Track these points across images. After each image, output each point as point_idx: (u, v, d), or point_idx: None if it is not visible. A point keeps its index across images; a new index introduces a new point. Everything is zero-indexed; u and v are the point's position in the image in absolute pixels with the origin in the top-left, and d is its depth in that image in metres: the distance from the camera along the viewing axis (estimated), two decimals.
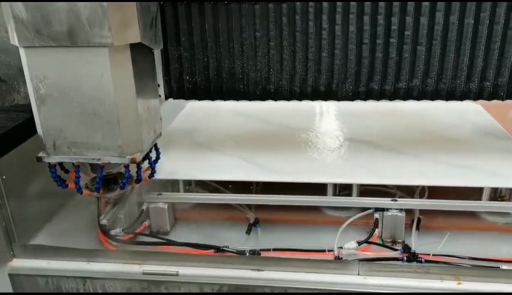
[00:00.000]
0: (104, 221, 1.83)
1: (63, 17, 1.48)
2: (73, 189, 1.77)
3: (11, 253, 1.78)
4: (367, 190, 1.93)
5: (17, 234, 1.80)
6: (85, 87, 1.57)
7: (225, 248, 1.77)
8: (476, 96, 1.85)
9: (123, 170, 1.82)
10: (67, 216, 2.12)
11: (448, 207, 1.83)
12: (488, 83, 1.82)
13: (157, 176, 1.95)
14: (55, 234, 1.98)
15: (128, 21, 1.52)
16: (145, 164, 1.85)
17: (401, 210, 1.80)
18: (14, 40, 1.54)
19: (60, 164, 1.75)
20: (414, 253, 1.70)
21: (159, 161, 1.95)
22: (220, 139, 2.35)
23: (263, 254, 1.75)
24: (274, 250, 1.77)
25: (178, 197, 1.99)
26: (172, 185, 2.05)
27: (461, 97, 1.85)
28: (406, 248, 1.74)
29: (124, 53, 1.57)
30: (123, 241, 1.86)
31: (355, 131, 2.40)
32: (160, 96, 1.94)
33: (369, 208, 1.86)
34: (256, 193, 2.05)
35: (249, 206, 2.01)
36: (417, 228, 1.85)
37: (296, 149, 2.22)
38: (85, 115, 1.61)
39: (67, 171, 1.82)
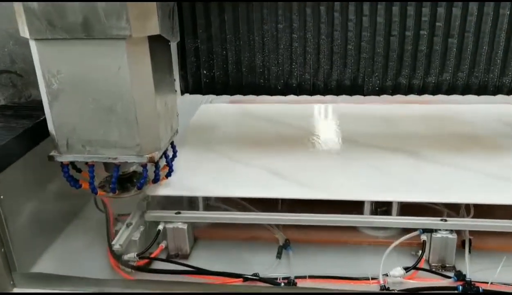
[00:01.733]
0: (117, 246, 1.64)
1: (78, 8, 1.39)
2: (87, 189, 1.69)
3: (11, 282, 1.59)
4: (406, 206, 1.72)
5: (17, 259, 1.62)
6: (101, 82, 1.48)
7: (255, 277, 1.57)
8: (509, 91, 1.76)
9: (137, 168, 1.75)
10: (73, 236, 1.93)
11: (506, 228, 1.64)
12: None
13: (175, 192, 1.78)
14: (60, 258, 1.80)
15: (147, 11, 1.43)
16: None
17: (451, 231, 1.63)
18: (25, 32, 1.45)
19: (72, 163, 1.67)
20: (470, 281, 1.52)
21: (174, 173, 1.82)
22: (240, 147, 2.13)
23: (298, 282, 1.57)
24: (310, 277, 1.59)
25: (198, 216, 1.79)
26: (188, 200, 1.85)
27: (494, 92, 1.77)
28: (460, 275, 1.56)
29: (143, 46, 1.48)
30: (138, 267, 1.65)
31: (390, 139, 2.15)
32: (175, 91, 1.84)
33: (412, 229, 1.67)
34: (283, 208, 1.82)
35: (277, 224, 1.82)
36: (469, 250, 1.66)
37: (325, 158, 2.01)
38: (100, 111, 1.52)
39: (79, 170, 1.73)
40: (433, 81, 1.77)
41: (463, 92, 1.78)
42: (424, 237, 1.65)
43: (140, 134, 1.55)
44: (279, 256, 1.71)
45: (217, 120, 2.53)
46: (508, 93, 1.77)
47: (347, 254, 1.74)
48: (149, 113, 1.56)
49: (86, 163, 1.69)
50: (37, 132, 1.70)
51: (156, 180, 1.72)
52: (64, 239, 1.92)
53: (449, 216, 1.69)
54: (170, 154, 1.80)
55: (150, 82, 1.53)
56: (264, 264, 1.67)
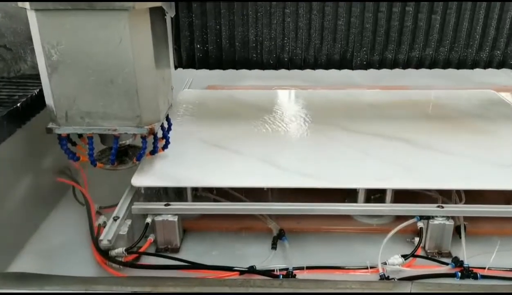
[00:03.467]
0: (105, 242, 1.54)
1: None
2: (85, 161, 1.70)
3: None
4: (399, 192, 1.69)
5: None
6: (102, 53, 1.50)
7: (252, 270, 1.51)
8: (486, 65, 1.89)
9: (131, 141, 1.76)
10: (51, 231, 1.81)
11: (502, 213, 1.64)
12: (498, 52, 1.86)
13: (162, 183, 1.71)
14: (39, 254, 1.68)
15: None
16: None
17: (448, 217, 1.61)
18: (24, 2, 1.44)
19: (67, 136, 1.68)
20: (468, 267, 1.51)
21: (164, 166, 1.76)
22: (226, 134, 2.03)
23: (295, 273, 1.52)
24: (308, 268, 1.53)
25: (189, 208, 1.71)
26: (174, 191, 1.78)
27: (472, 66, 1.89)
28: (457, 261, 1.54)
29: (144, 17, 1.50)
30: (127, 263, 1.56)
31: (379, 125, 2.09)
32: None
33: (408, 216, 1.64)
34: (273, 196, 1.78)
35: (269, 214, 1.75)
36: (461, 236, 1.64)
37: (315, 145, 1.94)
38: (101, 83, 1.54)
39: (74, 143, 1.74)
40: (416, 56, 1.87)
41: (444, 66, 1.90)
42: (421, 224, 1.62)
43: (140, 106, 1.57)
44: (274, 247, 1.64)
45: (199, 106, 2.43)
46: (485, 67, 1.90)
47: (342, 242, 1.70)
48: (149, 85, 1.58)
49: (80, 136, 1.71)
50: (13, 120, 1.62)
51: (154, 151, 1.75)
52: (42, 234, 1.80)
53: (443, 202, 1.70)
54: (166, 126, 1.83)
55: (151, 54, 1.56)
56: (259, 255, 1.61)
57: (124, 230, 1.61)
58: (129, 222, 1.65)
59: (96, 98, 1.56)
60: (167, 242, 1.68)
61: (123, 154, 1.78)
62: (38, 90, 1.75)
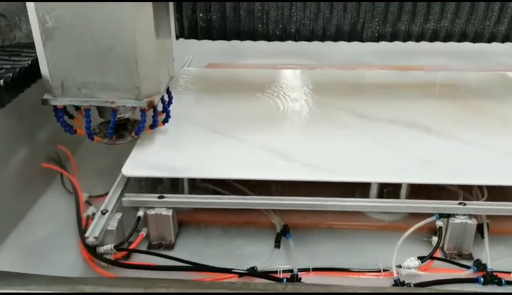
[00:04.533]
0: (91, 239, 1.41)
1: None
2: (83, 135, 1.63)
3: None
4: (414, 186, 1.54)
5: None
6: (100, 20, 1.41)
7: (252, 271, 1.40)
8: (504, 39, 1.79)
9: (130, 114, 1.69)
10: (36, 224, 1.68)
11: None
12: None
13: (157, 173, 1.56)
14: (21, 251, 1.56)
15: None
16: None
17: (470, 216, 1.47)
18: None
19: (64, 108, 1.60)
20: (491, 271, 1.38)
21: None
22: (228, 118, 1.87)
23: (300, 276, 1.40)
24: (314, 270, 1.42)
25: (184, 201, 1.56)
26: (170, 181, 1.64)
27: (489, 40, 1.80)
28: (479, 265, 1.41)
29: None
30: (116, 262, 1.45)
31: (393, 110, 1.90)
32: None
33: (422, 213, 1.50)
34: (278, 189, 1.64)
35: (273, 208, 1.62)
36: (483, 236, 1.50)
37: (324, 133, 1.77)
38: (98, 52, 1.46)
39: (71, 116, 1.67)
40: (431, 28, 1.77)
41: (459, 40, 1.81)
42: (440, 222, 1.48)
43: (139, 76, 1.50)
44: (277, 245, 1.52)
45: (198, 86, 2.23)
46: (502, 41, 1.80)
47: (352, 241, 1.57)
48: (149, 54, 1.50)
49: (78, 108, 1.64)
50: None
51: (154, 125, 1.68)
52: (28, 224, 1.69)
53: (464, 198, 1.55)
54: (166, 99, 1.76)
55: (151, 22, 1.47)
56: (261, 254, 1.50)
57: (113, 225, 1.48)
58: (119, 215, 1.52)
59: (93, 68, 1.49)
60: (160, 237, 1.55)
61: (122, 128, 1.71)
62: (29, 62, 1.67)
